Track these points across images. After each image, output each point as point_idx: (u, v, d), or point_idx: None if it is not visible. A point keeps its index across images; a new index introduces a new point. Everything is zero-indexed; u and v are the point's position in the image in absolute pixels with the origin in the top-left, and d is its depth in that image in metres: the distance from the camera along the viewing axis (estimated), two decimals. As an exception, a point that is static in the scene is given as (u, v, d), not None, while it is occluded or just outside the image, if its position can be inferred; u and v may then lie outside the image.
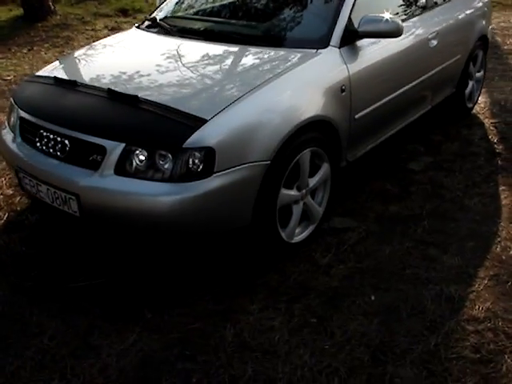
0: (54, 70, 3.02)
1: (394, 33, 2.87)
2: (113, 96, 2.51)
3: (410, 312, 2.33)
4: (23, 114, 2.71)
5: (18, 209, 3.17)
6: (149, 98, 2.44)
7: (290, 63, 2.69)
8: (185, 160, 2.21)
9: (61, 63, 3.19)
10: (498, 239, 2.83)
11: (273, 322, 2.29)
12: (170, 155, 2.23)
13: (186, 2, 3.67)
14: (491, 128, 4.30)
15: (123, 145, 2.28)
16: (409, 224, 2.99)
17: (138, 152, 2.28)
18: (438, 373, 2.02)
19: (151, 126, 2.33)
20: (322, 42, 2.82)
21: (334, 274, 2.59)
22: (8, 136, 2.82)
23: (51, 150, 2.49)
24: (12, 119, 2.84)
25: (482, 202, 3.19)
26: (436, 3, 3.80)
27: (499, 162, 3.71)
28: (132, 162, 2.29)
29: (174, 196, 2.22)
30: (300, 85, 2.63)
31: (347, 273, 2.61)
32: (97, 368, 2.07)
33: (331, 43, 2.82)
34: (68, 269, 2.65)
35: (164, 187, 2.24)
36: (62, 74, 2.89)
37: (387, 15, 2.88)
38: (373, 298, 2.43)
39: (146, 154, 2.27)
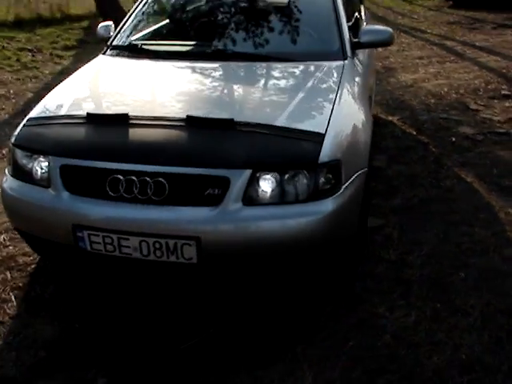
0: (64, 107, 2.58)
1: (389, 41, 3.25)
2: (197, 123, 2.30)
3: None
4: (71, 162, 2.27)
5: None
6: (246, 121, 2.31)
7: (335, 74, 2.83)
8: (321, 176, 2.19)
9: (61, 99, 2.73)
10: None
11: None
12: (306, 174, 2.17)
13: (168, 26, 3.49)
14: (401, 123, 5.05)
15: (249, 172, 2.13)
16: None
17: (265, 177, 2.16)
18: None
19: (273, 148, 2.23)
20: (343, 54, 3.03)
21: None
22: (37, 192, 2.32)
23: (138, 196, 2.16)
24: (39, 170, 2.34)
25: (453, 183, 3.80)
26: None
27: (433, 148, 4.43)
28: (258, 189, 2.16)
29: (319, 215, 2.18)
30: (357, 91, 2.79)
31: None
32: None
33: (348, 54, 3.05)
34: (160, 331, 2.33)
35: (307, 208, 2.18)
36: (87, 110, 2.48)
37: (380, 26, 3.25)
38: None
39: (275, 177, 2.17)
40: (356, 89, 2.83)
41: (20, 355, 2.21)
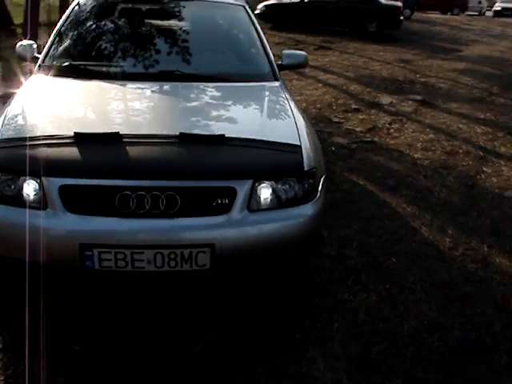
0: (36, 127, 2.52)
1: (305, 64, 3.74)
2: (191, 139, 2.48)
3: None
4: (72, 182, 2.28)
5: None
6: (232, 136, 2.56)
7: (279, 92, 3.22)
8: (305, 182, 2.55)
9: (26, 119, 2.66)
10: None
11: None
12: (295, 181, 2.51)
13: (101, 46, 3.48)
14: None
15: (250, 182, 2.40)
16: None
17: (263, 185, 2.45)
18: None
19: (265, 159, 2.52)
20: (274, 76, 3.42)
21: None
22: (30, 215, 2.27)
23: (149, 210, 2.28)
24: (30, 192, 2.29)
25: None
26: None
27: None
28: (257, 197, 2.44)
29: (311, 214, 2.54)
30: (297, 106, 3.20)
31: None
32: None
33: (278, 76, 3.46)
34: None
35: (301, 209, 2.51)
36: (66, 129, 2.48)
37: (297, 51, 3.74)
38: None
39: (271, 185, 2.46)
40: (296, 104, 3.24)
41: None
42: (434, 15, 27.83)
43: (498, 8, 32.27)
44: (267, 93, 3.21)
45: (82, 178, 2.29)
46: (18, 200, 2.31)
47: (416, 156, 5.29)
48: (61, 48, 3.38)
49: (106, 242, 2.25)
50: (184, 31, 3.68)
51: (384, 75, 9.69)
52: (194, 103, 3.05)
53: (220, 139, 2.49)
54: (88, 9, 3.71)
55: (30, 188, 2.30)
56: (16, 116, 2.68)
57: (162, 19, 3.74)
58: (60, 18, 3.63)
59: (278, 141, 2.63)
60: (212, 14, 3.91)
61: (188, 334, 2.51)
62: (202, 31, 3.70)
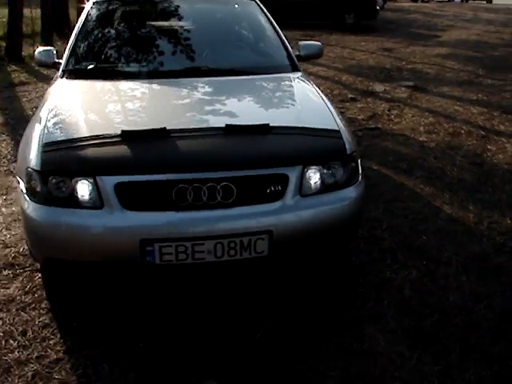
0: (80, 129, 2.56)
1: (320, 54, 3.83)
2: (236, 130, 2.55)
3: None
4: (128, 179, 2.32)
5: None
6: (276, 125, 2.63)
7: (305, 82, 3.31)
8: (350, 166, 2.64)
9: (68, 122, 2.70)
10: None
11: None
12: (340, 165, 2.59)
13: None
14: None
15: (300, 168, 2.47)
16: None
17: (311, 171, 2.53)
18: None
19: (311, 145, 2.60)
20: (296, 67, 3.52)
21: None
22: (88, 215, 2.32)
23: (206, 201, 2.34)
24: (85, 193, 2.34)
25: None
26: None
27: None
28: (307, 182, 2.52)
29: (356, 196, 2.63)
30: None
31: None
32: None
33: (298, 67, 3.55)
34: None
35: (347, 192, 2.59)
36: (111, 128, 2.54)
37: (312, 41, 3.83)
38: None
39: (319, 169, 2.54)
40: (323, 92, 3.33)
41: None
42: (406, 3, 28.25)
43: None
44: (294, 82, 3.30)
45: (138, 174, 2.34)
46: (71, 201, 2.35)
47: (421, 139, 5.43)
48: (82, 52, 3.42)
49: (166, 236, 2.30)
50: (201, 29, 3.75)
51: (371, 64, 9.85)
52: (228, 96, 3.12)
53: (265, 128, 2.56)
54: (102, 12, 3.75)
55: (83, 188, 2.34)
56: (56, 119, 2.71)
57: (176, 18, 3.80)
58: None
59: (319, 127, 2.71)
60: (226, 10, 3.98)
61: (247, 322, 2.57)
62: (219, 27, 3.78)
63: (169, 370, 2.26)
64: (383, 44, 12.56)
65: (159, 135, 2.47)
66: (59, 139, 2.52)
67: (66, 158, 2.43)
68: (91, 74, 3.23)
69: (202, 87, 3.19)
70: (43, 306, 2.68)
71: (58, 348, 2.39)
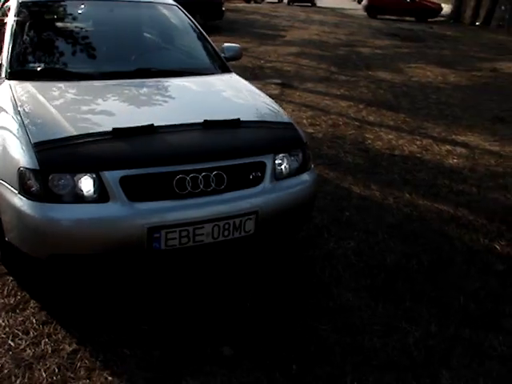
0: (67, 127, 2.64)
1: (240, 56, 4.22)
2: (210, 125, 2.84)
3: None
4: (132, 172, 2.50)
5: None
6: (245, 119, 2.97)
7: (242, 82, 3.68)
8: (307, 152, 3.10)
9: (51, 121, 2.73)
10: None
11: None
12: (299, 152, 3.03)
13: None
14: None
15: (272, 155, 2.87)
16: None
17: (280, 158, 2.93)
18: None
19: (276, 136, 3.00)
20: (226, 68, 3.87)
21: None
22: (95, 208, 2.46)
23: (203, 188, 2.61)
24: (89, 188, 2.46)
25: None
26: None
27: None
28: (278, 168, 2.92)
29: (313, 179, 3.09)
30: None
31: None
32: None
33: (230, 68, 3.90)
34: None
35: (308, 175, 3.04)
36: (101, 126, 2.67)
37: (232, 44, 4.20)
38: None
39: (285, 156, 2.95)
40: None
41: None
42: (240, 4, 29.61)
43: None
44: (237, 82, 3.67)
45: (141, 167, 2.52)
46: (73, 197, 2.45)
47: (309, 131, 6.08)
48: (25, 53, 3.36)
49: (171, 222, 2.53)
50: (134, 32, 3.91)
51: (232, 63, 10.39)
52: (185, 95, 3.37)
53: (237, 123, 2.90)
54: (34, 12, 3.68)
55: (87, 184, 2.46)
56: (34, 119, 2.71)
57: (107, 22, 3.88)
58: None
59: (276, 120, 3.13)
60: (154, 14, 4.16)
61: (236, 295, 2.89)
62: (153, 31, 3.98)
63: (185, 343, 2.50)
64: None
65: (148, 131, 2.67)
66: (51, 138, 2.56)
67: (66, 155, 2.51)
68: (42, 75, 3.21)
69: (158, 87, 3.38)
70: (32, 305, 2.70)
71: (69, 340, 2.47)
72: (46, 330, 2.54)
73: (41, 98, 2.95)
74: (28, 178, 2.45)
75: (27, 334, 2.51)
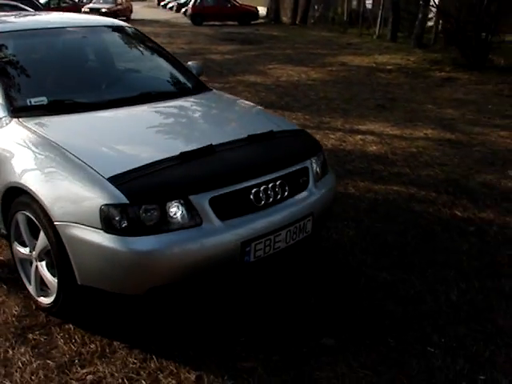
0: (131, 158, 2.66)
1: (202, 72, 4.36)
2: (254, 139, 3.03)
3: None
4: (218, 192, 2.60)
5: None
6: (275, 130, 3.21)
7: (229, 98, 3.89)
8: (323, 156, 3.42)
9: (109, 155, 2.72)
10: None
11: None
12: (320, 156, 3.34)
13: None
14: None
15: (309, 160, 3.15)
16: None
17: (313, 161, 3.22)
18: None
19: (303, 143, 3.29)
20: (206, 87, 3.99)
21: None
22: (191, 234, 2.53)
23: (270, 199, 2.81)
24: (180, 213, 2.51)
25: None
26: None
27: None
28: (314, 172, 3.20)
29: (334, 179, 3.44)
30: None
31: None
32: None
33: (207, 87, 4.05)
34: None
35: (330, 176, 3.36)
36: (166, 152, 2.72)
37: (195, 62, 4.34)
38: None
39: (315, 161, 3.24)
40: None
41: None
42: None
43: (87, 9, 33.60)
44: (227, 98, 3.86)
45: (224, 187, 2.63)
46: (166, 226, 2.47)
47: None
48: (18, 88, 3.17)
49: (258, 234, 2.68)
50: (107, 58, 3.91)
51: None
52: (199, 114, 3.50)
53: (272, 134, 3.13)
54: (11, 44, 3.44)
55: (178, 210, 2.50)
56: (89, 155, 2.62)
57: (74, 49, 3.81)
58: None
59: (293, 129, 3.42)
60: (122, 37, 4.09)
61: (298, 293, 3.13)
62: (125, 55, 3.94)
63: (290, 342, 2.69)
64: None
65: (210, 152, 2.78)
66: (124, 170, 2.53)
67: (151, 184, 2.51)
68: (49, 109, 3.06)
69: (170, 110, 3.44)
70: (118, 346, 2.65)
71: (185, 369, 2.50)
72: (153, 365, 2.52)
73: (73, 132, 2.86)
74: (115, 213, 2.40)
75: (138, 374, 2.47)
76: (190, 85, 3.90)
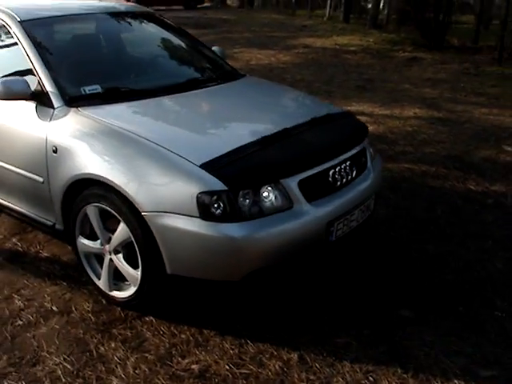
0: (216, 143, 2.71)
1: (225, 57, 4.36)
2: (317, 122, 3.14)
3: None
4: (305, 175, 2.65)
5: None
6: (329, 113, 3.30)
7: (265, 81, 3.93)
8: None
9: (190, 141, 2.77)
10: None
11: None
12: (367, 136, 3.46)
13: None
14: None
15: (365, 141, 3.26)
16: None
17: (366, 143, 3.32)
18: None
19: (355, 125, 3.40)
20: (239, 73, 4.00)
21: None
22: (286, 217, 2.58)
23: (344, 180, 2.90)
24: (274, 197, 2.55)
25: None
26: None
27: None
28: (369, 152, 3.30)
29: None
30: None
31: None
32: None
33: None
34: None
35: (379, 159, 3.49)
36: (246, 137, 2.76)
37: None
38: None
39: (367, 142, 3.36)
40: None
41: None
42: None
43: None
44: (263, 82, 3.91)
45: (311, 169, 2.69)
46: (262, 210, 2.51)
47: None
48: (68, 76, 3.09)
49: (340, 213, 2.77)
50: (155, 44, 3.90)
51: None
52: (250, 99, 3.50)
53: (330, 117, 3.23)
54: (49, 31, 3.32)
55: (271, 194, 2.55)
56: (172, 142, 2.62)
57: (121, 37, 3.79)
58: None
59: (339, 111, 3.51)
60: (146, 23, 4.04)
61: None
62: (162, 42, 3.91)
63: (373, 315, 2.82)
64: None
65: (286, 135, 2.84)
66: (214, 157, 2.53)
67: (245, 170, 2.54)
68: (105, 97, 3.01)
69: (224, 96, 3.45)
70: (214, 334, 2.68)
71: (301, 345, 2.58)
72: (252, 350, 2.58)
73: (142, 119, 2.85)
74: (213, 200, 2.41)
75: (241, 359, 2.52)
76: (226, 70, 3.91)
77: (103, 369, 2.46)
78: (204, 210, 2.42)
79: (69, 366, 2.47)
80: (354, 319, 2.80)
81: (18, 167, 3.10)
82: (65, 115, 2.87)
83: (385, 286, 3.10)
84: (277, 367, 2.47)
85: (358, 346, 2.61)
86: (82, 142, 2.76)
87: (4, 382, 2.38)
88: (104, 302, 2.92)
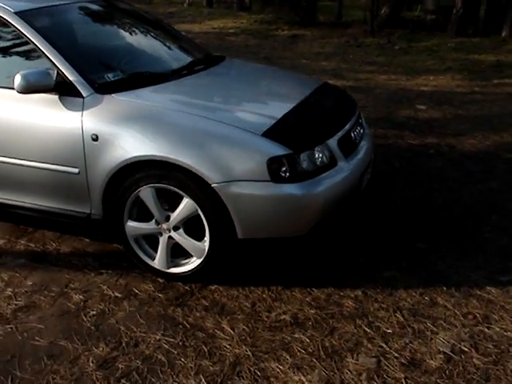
0: (259, 114, 3.02)
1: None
2: (320, 92, 3.53)
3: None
4: (338, 135, 3.03)
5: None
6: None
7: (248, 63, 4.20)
8: None
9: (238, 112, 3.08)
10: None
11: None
12: None
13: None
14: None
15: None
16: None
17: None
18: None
19: (347, 96, 3.83)
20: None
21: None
22: (336, 173, 2.93)
23: (357, 140, 3.31)
24: (324, 157, 2.89)
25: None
26: None
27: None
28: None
29: None
30: None
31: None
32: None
33: None
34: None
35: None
36: (280, 108, 3.08)
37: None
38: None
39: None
40: None
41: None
42: None
43: None
44: (248, 63, 4.22)
45: (341, 130, 3.09)
46: (317, 169, 2.83)
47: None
48: (89, 63, 3.11)
49: (366, 167, 3.23)
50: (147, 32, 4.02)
51: None
52: (252, 77, 3.79)
53: (328, 87, 3.65)
54: (51, 20, 3.27)
55: (320, 155, 2.88)
56: (224, 116, 2.89)
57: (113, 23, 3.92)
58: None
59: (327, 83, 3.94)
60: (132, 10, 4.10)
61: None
62: (152, 31, 4.04)
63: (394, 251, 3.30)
64: None
65: (307, 104, 3.21)
66: (268, 127, 2.79)
67: (301, 135, 2.88)
68: (131, 83, 3.09)
69: (230, 76, 3.73)
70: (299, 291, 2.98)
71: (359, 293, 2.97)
72: (323, 296, 2.93)
73: (182, 99, 3.10)
74: (282, 164, 2.68)
75: (317, 305, 2.85)
76: (208, 53, 4.15)
77: (204, 335, 2.63)
78: (274, 173, 2.69)
79: (172, 340, 2.61)
80: (386, 257, 3.26)
81: (43, 162, 3.02)
82: (100, 103, 2.90)
83: (391, 228, 3.60)
84: (351, 303, 2.84)
85: (403, 276, 3.08)
86: (128, 126, 2.81)
87: (118, 365, 2.46)
88: (161, 280, 3.05)
